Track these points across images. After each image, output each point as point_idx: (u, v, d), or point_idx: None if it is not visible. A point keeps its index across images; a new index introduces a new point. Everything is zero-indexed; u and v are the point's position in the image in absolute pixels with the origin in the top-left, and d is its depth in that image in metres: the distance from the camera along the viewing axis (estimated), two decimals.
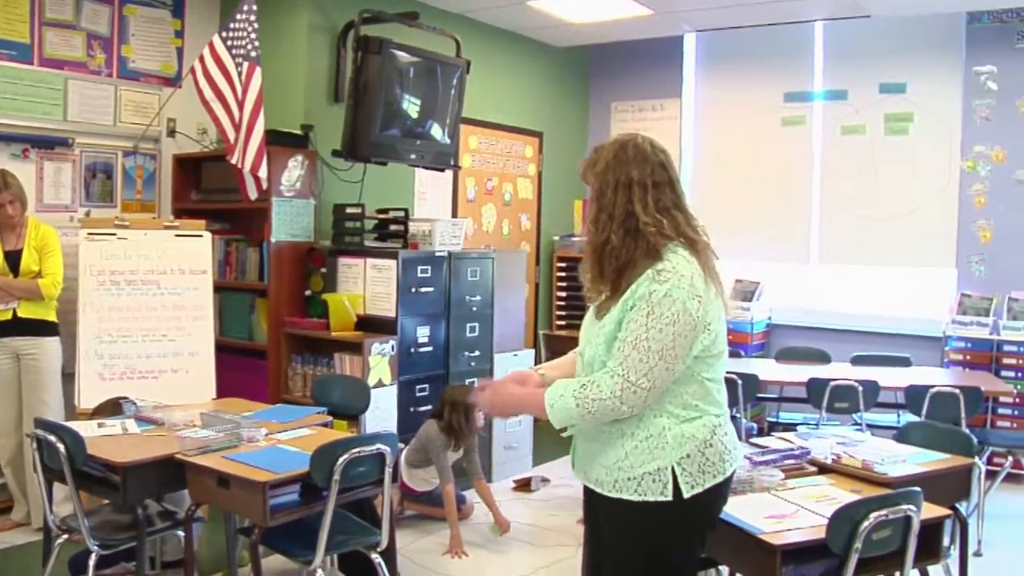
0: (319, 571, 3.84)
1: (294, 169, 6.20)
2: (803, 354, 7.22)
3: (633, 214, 2.69)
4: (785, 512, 3.19)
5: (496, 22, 8.02)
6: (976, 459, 4.08)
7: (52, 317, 5.48)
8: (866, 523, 2.93)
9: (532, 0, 7.32)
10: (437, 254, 6.28)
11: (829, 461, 3.80)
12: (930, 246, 7.88)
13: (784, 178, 8.52)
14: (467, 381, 6.40)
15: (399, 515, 5.81)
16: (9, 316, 5.33)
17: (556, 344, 8.65)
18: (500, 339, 6.78)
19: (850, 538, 2.94)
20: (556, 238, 8.98)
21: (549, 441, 6.94)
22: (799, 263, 8.53)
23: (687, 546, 2.75)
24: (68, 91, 6.06)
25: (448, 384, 6.28)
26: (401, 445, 4.37)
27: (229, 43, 5.86)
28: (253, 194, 5.88)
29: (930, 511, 3.21)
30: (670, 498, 2.64)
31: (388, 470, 3.94)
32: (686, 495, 2.64)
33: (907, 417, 5.85)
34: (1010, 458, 6.30)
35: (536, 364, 5.56)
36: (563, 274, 8.86)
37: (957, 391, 5.73)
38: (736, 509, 3.17)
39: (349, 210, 6.34)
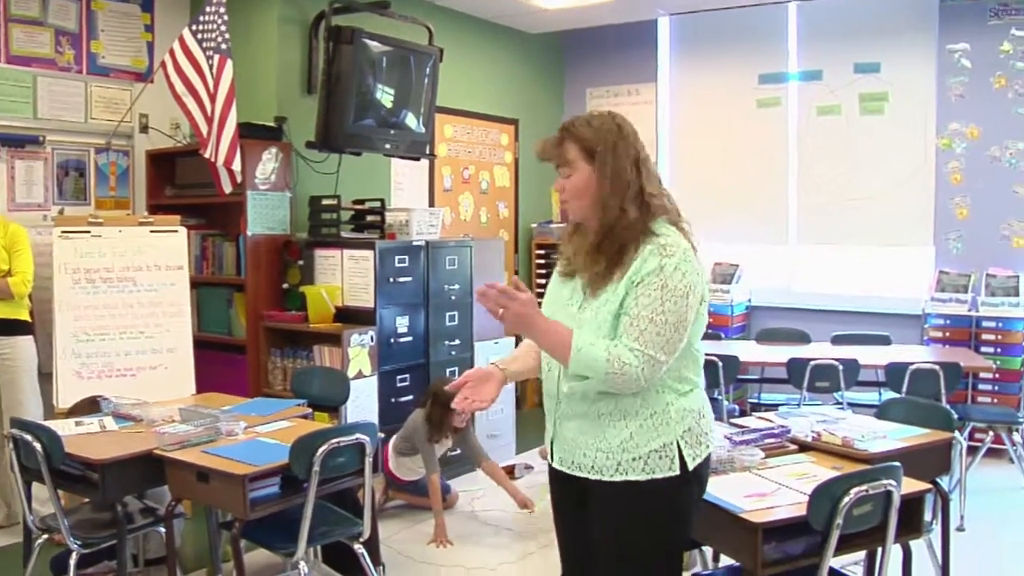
0: (302, 563, 3.82)
1: (268, 162, 6.16)
2: (783, 335, 7.23)
3: (643, 190, 2.70)
4: (766, 490, 3.19)
5: (468, 10, 7.99)
6: (956, 434, 4.10)
7: (25, 316, 5.44)
8: (847, 499, 2.93)
9: None
10: (414, 244, 6.26)
11: (809, 439, 3.80)
12: (907, 224, 7.90)
13: (761, 160, 8.52)
14: (447, 371, 6.41)
15: (384, 504, 5.81)
16: None
17: None
18: (480, 327, 6.76)
19: (831, 514, 2.94)
20: (534, 225, 8.98)
21: (532, 428, 6.96)
22: (777, 244, 8.54)
23: (689, 518, 2.76)
24: (37, 88, 6.01)
25: (435, 375, 6.29)
26: (382, 435, 4.34)
27: (199, 36, 5.81)
28: (228, 188, 5.85)
29: (911, 486, 3.21)
30: (678, 472, 2.65)
31: (368, 460, 3.93)
32: (691, 467, 2.67)
33: (888, 395, 5.87)
34: (991, 433, 6.33)
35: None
36: (542, 261, 8.85)
37: (937, 367, 5.76)
38: (717, 489, 3.16)
39: (325, 201, 6.31)
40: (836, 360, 6.02)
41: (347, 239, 6.21)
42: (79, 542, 3.91)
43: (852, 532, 3.03)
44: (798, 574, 3.06)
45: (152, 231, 5.63)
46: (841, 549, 3.03)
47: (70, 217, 5.85)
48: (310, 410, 4.77)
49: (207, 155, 5.72)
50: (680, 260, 2.61)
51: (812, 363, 6.00)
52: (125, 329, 5.45)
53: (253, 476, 3.65)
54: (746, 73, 8.55)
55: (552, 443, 2.84)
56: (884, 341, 6.90)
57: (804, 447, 3.77)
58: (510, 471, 6.45)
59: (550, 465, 2.89)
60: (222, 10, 5.69)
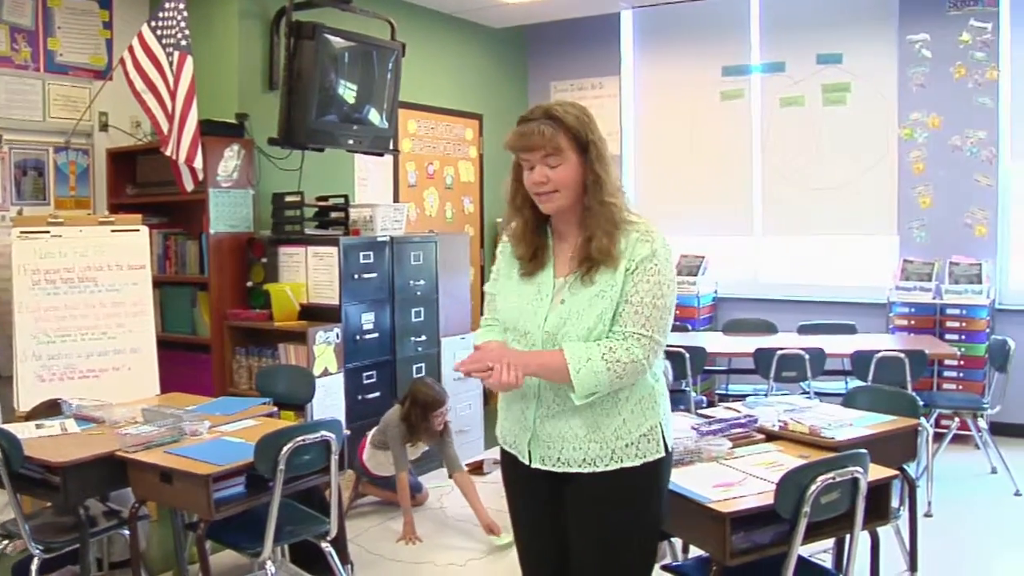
0: (269, 563, 3.79)
1: (230, 159, 6.10)
2: (750, 326, 7.26)
3: (617, 179, 2.74)
4: (733, 480, 3.19)
5: (431, 4, 7.95)
6: (922, 420, 4.12)
7: None
8: (813, 487, 2.93)
9: None
10: (379, 239, 6.22)
11: (776, 428, 3.80)
12: (871, 214, 7.95)
13: (725, 152, 8.54)
14: (413, 367, 6.39)
15: (354, 500, 5.78)
16: None
17: None
18: (446, 323, 6.74)
19: (798, 503, 2.94)
20: (499, 220, 8.95)
21: None
22: (743, 236, 8.57)
23: (665, 497, 2.81)
24: None
25: (402, 372, 6.30)
26: (348, 432, 4.31)
27: (159, 32, 5.74)
28: (189, 185, 5.78)
29: (877, 473, 3.22)
30: (663, 454, 2.71)
31: (334, 458, 3.90)
32: (670, 447, 2.75)
33: (854, 383, 5.89)
34: (956, 420, 6.41)
35: None
36: None
37: (902, 355, 5.81)
38: (684, 479, 3.17)
39: (288, 198, 6.25)
40: (802, 350, 6.04)
41: (311, 236, 6.16)
42: (41, 547, 3.86)
43: (820, 520, 3.04)
44: (767, 563, 3.06)
45: (113, 230, 5.55)
46: (809, 537, 3.04)
47: (29, 217, 5.78)
48: (275, 408, 4.73)
49: (168, 153, 5.65)
50: (662, 245, 2.68)
51: (779, 353, 6.03)
52: (87, 330, 5.38)
53: (217, 476, 3.61)
54: (709, 66, 8.56)
55: (529, 444, 2.77)
56: (850, 330, 6.94)
57: (771, 436, 3.78)
58: (478, 466, 6.44)
59: (522, 468, 2.80)
60: (181, 6, 5.62)
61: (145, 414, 4.29)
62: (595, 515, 2.72)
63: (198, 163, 5.59)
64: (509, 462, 2.89)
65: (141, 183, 6.48)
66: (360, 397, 6.10)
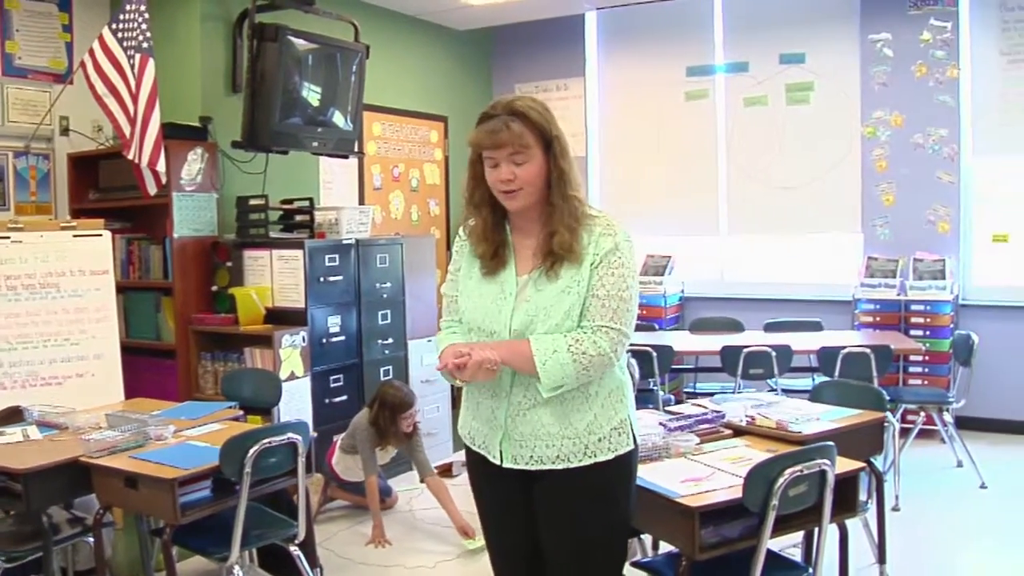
0: (236, 568, 3.76)
1: (194, 162, 6.05)
2: (717, 324, 7.28)
3: (578, 172, 2.75)
4: (701, 475, 3.19)
5: (394, 6, 7.93)
6: (888, 415, 4.14)
7: None
8: (781, 479, 2.94)
9: None
10: (344, 242, 6.19)
11: (744, 423, 3.81)
12: (836, 212, 8.01)
13: (690, 152, 8.58)
14: (380, 370, 6.36)
15: (323, 504, 5.75)
16: None
17: None
18: (413, 325, 6.71)
19: (767, 496, 2.95)
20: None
21: None
22: (709, 235, 8.60)
23: (635, 489, 2.83)
24: None
25: (369, 375, 6.28)
26: (315, 434, 4.28)
27: (120, 35, 5.68)
28: (152, 189, 5.71)
29: (845, 465, 3.24)
30: (632, 446, 2.73)
31: (301, 460, 3.87)
32: (639, 439, 2.78)
33: (821, 380, 5.92)
34: (922, 414, 6.46)
35: None
36: None
37: (868, 351, 5.85)
38: (652, 475, 3.17)
39: (253, 202, 6.21)
40: (769, 347, 6.07)
41: (276, 239, 6.12)
42: (2, 556, 3.80)
43: (789, 513, 3.05)
44: (736, 557, 3.07)
45: (75, 235, 5.48)
46: (778, 531, 3.05)
47: None
48: (242, 412, 4.67)
49: (131, 156, 5.59)
50: (624, 237, 2.69)
51: (745, 350, 6.05)
52: (49, 337, 5.31)
53: (183, 480, 3.57)
54: (674, 66, 8.60)
55: (501, 443, 2.75)
56: (816, 327, 6.98)
57: (739, 432, 3.79)
58: (447, 469, 6.42)
59: (492, 468, 2.78)
60: (143, 8, 5.56)
61: (109, 419, 4.24)
62: (568, 511, 2.71)
63: (161, 166, 5.54)
64: (477, 462, 2.87)
65: (103, 188, 6.41)
66: (327, 400, 6.06)
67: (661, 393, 6.24)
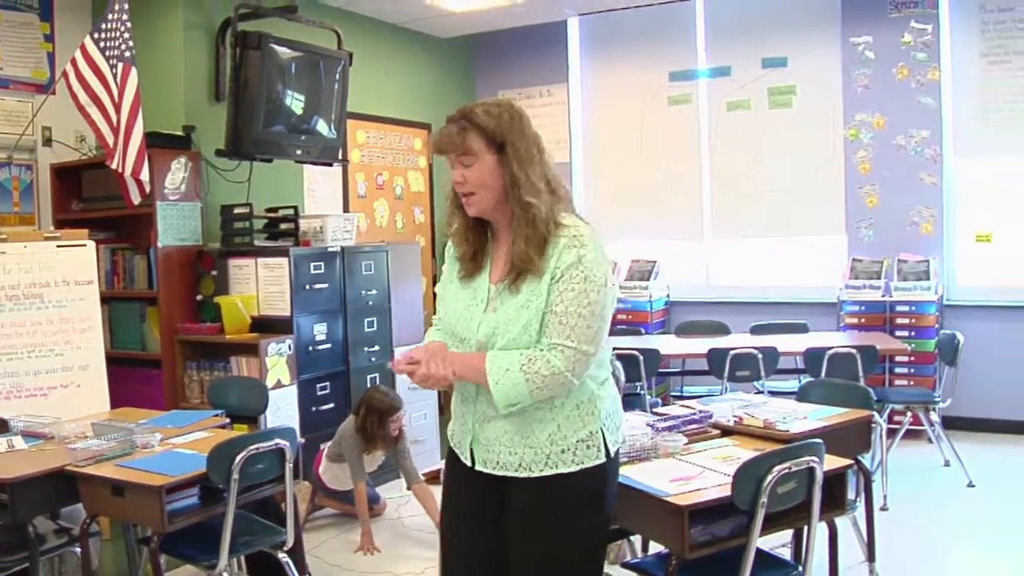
0: (225, 575, 3.73)
1: (177, 171, 6.04)
2: (703, 328, 7.30)
3: (549, 179, 2.66)
4: (690, 474, 3.19)
5: (376, 14, 7.94)
6: (875, 414, 4.15)
7: None
8: (770, 477, 2.94)
9: None
10: (330, 250, 6.18)
11: (731, 423, 3.82)
12: (820, 215, 8.04)
13: (674, 157, 8.60)
14: (367, 378, 6.34)
15: (311, 512, 5.73)
16: None
17: None
18: (399, 333, 6.69)
19: (755, 493, 2.95)
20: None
21: None
22: (694, 240, 8.62)
23: (614, 502, 2.75)
24: None
25: (356, 382, 6.26)
26: (302, 440, 4.27)
27: (102, 44, 5.64)
28: (136, 199, 5.69)
29: (833, 462, 3.24)
30: (603, 460, 2.64)
31: (289, 466, 3.85)
32: (612, 453, 2.67)
33: (808, 381, 5.94)
34: (909, 414, 6.48)
35: None
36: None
37: (854, 351, 5.88)
38: (641, 475, 3.17)
39: (237, 210, 6.20)
40: (755, 349, 6.09)
41: (261, 247, 6.11)
42: None
43: (778, 511, 3.05)
44: (726, 557, 3.07)
45: (59, 246, 5.45)
46: (767, 528, 3.05)
47: None
48: (228, 420, 4.66)
49: (114, 166, 5.56)
50: (594, 249, 2.58)
51: (732, 353, 6.06)
52: (34, 347, 5.28)
53: (170, 487, 3.55)
54: (656, 71, 8.62)
55: (471, 446, 2.75)
56: (802, 329, 7.00)
57: (726, 431, 3.79)
58: (435, 476, 6.38)
59: (466, 470, 2.78)
60: (125, 17, 5.54)
61: (95, 428, 4.22)
62: (534, 521, 2.67)
63: (144, 175, 5.51)
64: (453, 460, 2.86)
65: (87, 198, 6.38)
66: (314, 408, 6.05)
67: (648, 397, 6.24)
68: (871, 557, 4.13)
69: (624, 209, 8.71)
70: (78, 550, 4.05)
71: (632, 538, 4.08)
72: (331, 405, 6.13)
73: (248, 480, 3.70)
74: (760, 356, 6.04)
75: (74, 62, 5.71)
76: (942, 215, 7.53)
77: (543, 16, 8.57)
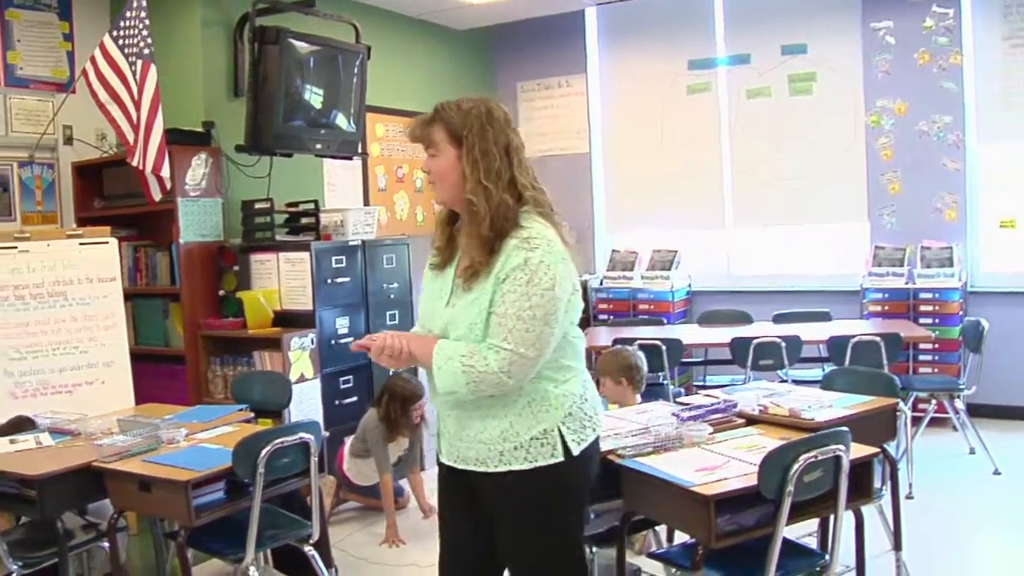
0: (251, 569, 3.75)
1: (198, 167, 6.06)
2: (725, 317, 7.26)
3: (515, 179, 2.69)
4: (716, 464, 3.17)
5: (394, 7, 7.93)
6: (900, 402, 4.12)
7: None
8: (796, 466, 2.92)
9: None
10: (351, 243, 6.20)
11: (756, 412, 3.79)
12: (842, 202, 7.99)
13: (694, 146, 8.56)
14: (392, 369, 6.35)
15: (336, 506, 5.75)
16: None
17: None
18: None
19: (782, 482, 2.93)
20: None
21: None
22: (715, 228, 8.58)
23: (580, 504, 2.80)
24: None
25: (378, 376, 6.24)
26: (326, 434, 4.28)
27: (121, 42, 5.67)
28: (157, 195, 5.73)
29: (859, 451, 3.22)
30: (561, 458, 2.66)
31: (314, 459, 3.86)
32: (575, 452, 2.68)
33: (831, 369, 5.91)
34: (933, 402, 6.44)
35: None
36: None
37: (878, 339, 5.84)
38: (666, 465, 3.16)
39: (258, 205, 6.22)
40: (778, 337, 6.06)
41: (282, 242, 6.13)
42: (19, 563, 3.80)
43: (804, 500, 3.03)
44: (752, 547, 3.05)
45: (82, 244, 5.49)
46: (793, 517, 3.03)
47: None
48: (252, 414, 4.67)
49: (135, 163, 5.59)
50: (544, 252, 2.60)
51: (755, 342, 6.04)
52: (59, 345, 5.32)
53: (197, 482, 3.56)
54: (675, 60, 8.58)
55: (440, 440, 2.85)
56: (825, 318, 6.95)
57: (751, 420, 3.76)
58: None
59: (438, 460, 2.90)
60: (143, 14, 5.56)
61: (121, 424, 4.24)
62: (502, 515, 2.76)
63: (165, 172, 5.54)
64: (439, 453, 2.94)
65: (109, 196, 6.41)
66: (337, 402, 6.06)
67: (671, 387, 6.23)
68: (897, 546, 4.10)
69: (644, 199, 8.70)
70: (106, 545, 4.07)
71: (657, 528, 4.07)
72: (354, 398, 6.15)
73: (273, 474, 3.71)
74: (783, 345, 6.01)
75: (93, 60, 5.74)
76: (965, 201, 7.48)
77: (561, 6, 8.56)
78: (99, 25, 6.47)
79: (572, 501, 2.74)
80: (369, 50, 6.74)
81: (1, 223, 6.05)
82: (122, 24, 5.66)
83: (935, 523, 5.19)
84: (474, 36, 9.14)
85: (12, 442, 4.18)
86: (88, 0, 6.58)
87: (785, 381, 6.02)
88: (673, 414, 3.66)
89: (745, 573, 3.10)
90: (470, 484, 2.77)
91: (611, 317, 8.25)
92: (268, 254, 6.08)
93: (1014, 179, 7.41)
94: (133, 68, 5.61)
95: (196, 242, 6.07)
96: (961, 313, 7.15)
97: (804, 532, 3.86)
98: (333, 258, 6.05)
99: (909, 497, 5.46)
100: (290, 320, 5.96)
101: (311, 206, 6.34)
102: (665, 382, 6.19)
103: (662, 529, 4.09)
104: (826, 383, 4.35)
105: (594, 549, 3.63)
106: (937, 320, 7.16)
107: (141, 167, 5.55)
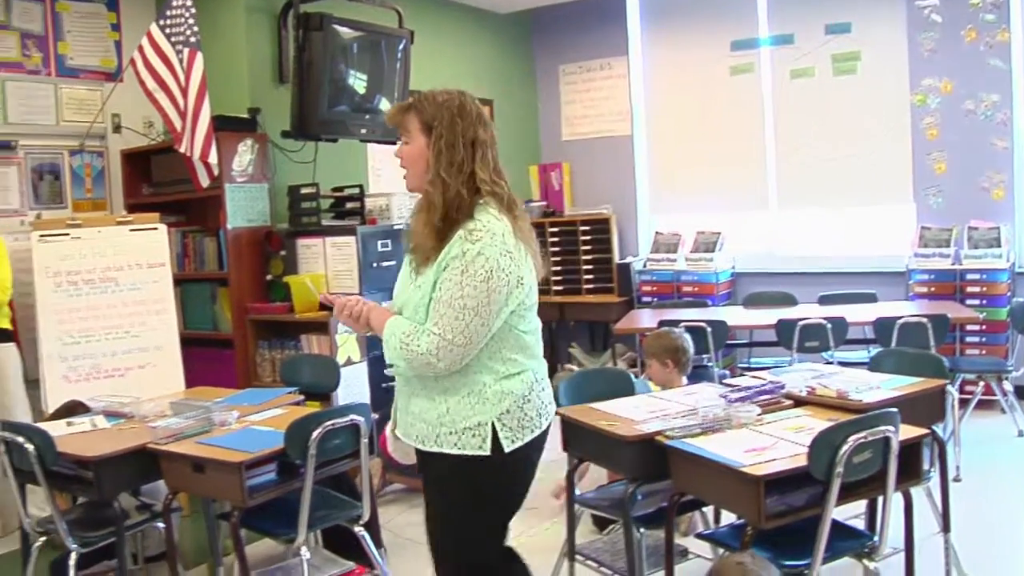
0: (303, 549, 3.81)
1: (244, 153, 6.12)
2: (770, 299, 7.23)
3: (474, 173, 2.77)
4: (764, 444, 3.18)
5: None
6: (948, 383, 4.11)
7: (6, 324, 5.36)
8: (845, 447, 2.93)
9: None
10: (396, 227, 6.23)
11: (804, 393, 3.80)
12: (887, 182, 7.91)
13: (737, 127, 8.52)
14: None
15: (383, 488, 5.80)
16: None
17: None
18: None
19: (831, 463, 2.94)
20: None
21: None
22: (759, 210, 8.54)
23: (503, 499, 2.89)
24: (6, 93, 5.94)
25: None
26: (376, 416, 4.32)
27: (167, 31, 5.75)
28: (205, 182, 5.80)
29: (908, 432, 3.22)
30: (488, 452, 2.76)
31: (364, 441, 3.91)
32: (506, 449, 2.77)
33: (877, 351, 5.88)
34: (981, 384, 6.38)
35: None
36: None
37: (925, 320, 5.80)
38: (715, 446, 3.17)
39: (304, 190, 6.27)
40: (824, 319, 6.03)
41: (328, 227, 6.18)
42: (78, 542, 3.88)
43: (853, 481, 3.04)
44: (800, 528, 3.06)
45: (132, 230, 5.60)
46: (842, 499, 3.04)
47: (48, 221, 5.79)
48: (302, 397, 4.73)
49: (182, 150, 5.67)
50: (484, 245, 2.67)
51: (800, 323, 6.01)
52: (110, 330, 5.43)
53: (250, 463, 3.62)
54: (717, 41, 8.53)
55: (395, 412, 3.03)
56: (870, 299, 6.91)
57: (799, 402, 3.77)
58: None
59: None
60: (189, 3, 5.64)
61: (173, 407, 4.30)
62: (428, 492, 2.94)
63: (213, 158, 5.61)
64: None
65: (157, 182, 6.50)
66: (384, 385, 6.09)
67: (716, 369, 6.22)
68: (946, 528, 4.08)
69: (687, 181, 8.67)
70: (161, 525, 4.14)
71: (704, 509, 4.08)
72: None
73: (324, 456, 3.76)
74: (829, 327, 5.98)
75: (141, 49, 5.82)
76: (1012, 180, 7.38)
77: None
78: (146, 15, 6.56)
79: (491, 496, 2.85)
80: (412, 35, 6.76)
81: (53, 210, 6.15)
82: (168, 13, 5.74)
83: (983, 506, 5.16)
84: (515, 20, 9.13)
85: (69, 424, 4.27)
86: None
87: (831, 363, 6.00)
88: (721, 395, 3.67)
89: (794, 553, 3.11)
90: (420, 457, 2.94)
91: (655, 299, 8.24)
92: (314, 239, 6.14)
93: None
94: (180, 56, 5.68)
95: (243, 227, 6.14)
96: (1009, 294, 7.08)
97: (852, 514, 3.86)
98: (379, 242, 6.10)
99: (957, 479, 5.42)
100: None
101: (356, 191, 6.38)
102: (710, 364, 6.18)
103: (708, 510, 4.11)
104: (873, 364, 4.34)
105: (641, 530, 3.65)
106: (984, 301, 7.08)
107: (189, 154, 5.63)
